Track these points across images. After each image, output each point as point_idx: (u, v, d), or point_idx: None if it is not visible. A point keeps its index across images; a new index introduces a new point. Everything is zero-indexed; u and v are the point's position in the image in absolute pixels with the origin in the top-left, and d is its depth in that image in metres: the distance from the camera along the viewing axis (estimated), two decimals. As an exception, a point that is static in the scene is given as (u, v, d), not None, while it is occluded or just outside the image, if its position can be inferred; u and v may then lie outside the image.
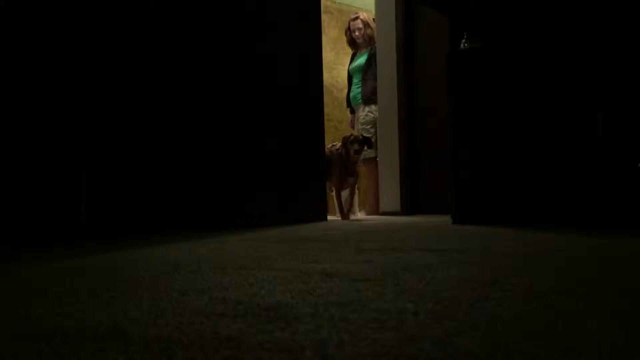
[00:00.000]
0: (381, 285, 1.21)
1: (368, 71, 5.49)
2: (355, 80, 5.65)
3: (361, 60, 5.59)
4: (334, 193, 4.70)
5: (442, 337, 0.77)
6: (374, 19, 5.61)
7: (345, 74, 6.03)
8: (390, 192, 5.23)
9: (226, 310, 0.98)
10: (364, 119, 5.47)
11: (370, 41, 5.60)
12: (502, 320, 0.87)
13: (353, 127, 5.77)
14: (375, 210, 5.28)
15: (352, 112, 5.79)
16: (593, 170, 3.13)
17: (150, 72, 3.47)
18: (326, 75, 5.35)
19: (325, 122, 4.58)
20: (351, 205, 4.75)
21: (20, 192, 3.08)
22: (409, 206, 5.21)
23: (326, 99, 4.92)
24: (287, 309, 0.97)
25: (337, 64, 6.89)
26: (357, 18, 5.66)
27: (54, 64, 3.13)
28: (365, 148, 4.57)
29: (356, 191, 5.00)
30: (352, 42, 5.77)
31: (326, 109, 4.75)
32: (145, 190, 3.41)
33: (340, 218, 4.56)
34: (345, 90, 5.93)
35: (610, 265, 1.55)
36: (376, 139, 5.27)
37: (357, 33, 5.63)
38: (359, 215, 5.29)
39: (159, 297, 1.12)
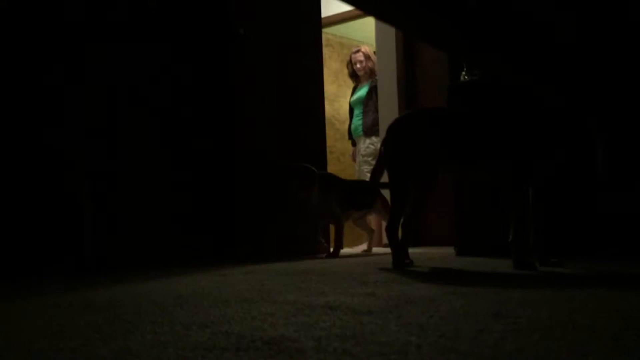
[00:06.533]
0: (385, 318, 1.21)
1: (369, 103, 5.54)
2: (356, 112, 5.69)
3: (362, 92, 5.64)
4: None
5: (446, 371, 0.76)
6: (375, 52, 5.69)
7: (347, 107, 6.08)
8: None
9: (229, 344, 0.97)
10: (365, 150, 5.50)
11: (371, 74, 5.67)
12: (506, 352, 0.86)
13: (355, 160, 5.80)
14: (379, 242, 5.26)
15: (354, 144, 5.81)
16: (596, 200, 3.13)
17: (153, 111, 3.50)
18: (328, 108, 5.39)
19: (328, 155, 4.60)
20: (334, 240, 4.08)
21: (23, 225, 3.08)
22: (411, 238, 5.18)
23: (328, 131, 4.94)
24: (290, 343, 0.97)
25: (338, 96, 6.94)
26: (358, 51, 5.73)
27: (61, 90, 3.15)
28: None
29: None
30: (354, 75, 5.83)
31: (328, 142, 4.77)
32: (147, 223, 3.41)
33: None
34: (347, 123, 5.97)
35: (614, 296, 1.54)
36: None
37: (358, 65, 5.69)
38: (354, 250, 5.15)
39: (161, 331, 1.12)
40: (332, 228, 4.19)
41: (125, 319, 1.29)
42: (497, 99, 2.73)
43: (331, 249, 3.91)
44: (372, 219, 5.22)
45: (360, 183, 4.45)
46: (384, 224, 5.06)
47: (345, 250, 4.74)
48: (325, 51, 5.91)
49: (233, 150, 3.74)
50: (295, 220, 4.01)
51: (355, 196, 4.05)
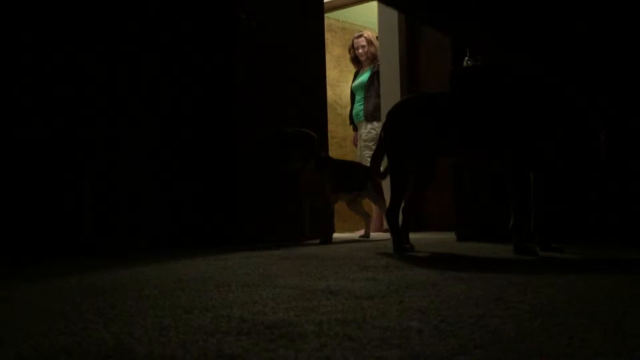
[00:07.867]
0: (385, 302, 1.21)
1: (370, 88, 5.53)
2: (357, 98, 5.68)
3: (363, 77, 5.63)
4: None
5: (446, 355, 0.77)
6: (377, 37, 5.66)
7: (349, 92, 6.07)
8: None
9: (230, 328, 0.98)
10: (366, 135, 5.49)
11: (373, 59, 5.65)
12: (507, 337, 0.87)
13: (356, 145, 5.79)
14: (380, 227, 5.27)
15: (355, 129, 5.81)
16: (597, 188, 3.12)
17: (154, 94, 3.49)
18: (330, 93, 5.38)
19: (329, 140, 4.59)
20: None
21: (26, 208, 3.08)
22: (412, 223, 5.18)
23: (330, 116, 4.93)
24: (291, 327, 0.97)
25: (340, 82, 6.93)
26: (360, 36, 5.71)
27: (65, 81, 3.15)
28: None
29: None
30: (356, 60, 5.81)
31: (330, 127, 4.76)
32: (149, 208, 3.41)
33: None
34: (349, 108, 5.96)
35: (615, 281, 1.55)
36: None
37: (360, 50, 5.67)
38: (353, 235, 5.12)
39: (163, 315, 1.12)
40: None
41: (127, 303, 1.30)
42: (497, 83, 2.71)
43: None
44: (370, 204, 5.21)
45: (351, 164, 4.28)
46: (374, 207, 5.04)
47: (344, 236, 4.75)
48: (328, 36, 5.88)
49: (233, 136, 3.73)
50: (293, 205, 3.96)
51: (345, 178, 3.88)
